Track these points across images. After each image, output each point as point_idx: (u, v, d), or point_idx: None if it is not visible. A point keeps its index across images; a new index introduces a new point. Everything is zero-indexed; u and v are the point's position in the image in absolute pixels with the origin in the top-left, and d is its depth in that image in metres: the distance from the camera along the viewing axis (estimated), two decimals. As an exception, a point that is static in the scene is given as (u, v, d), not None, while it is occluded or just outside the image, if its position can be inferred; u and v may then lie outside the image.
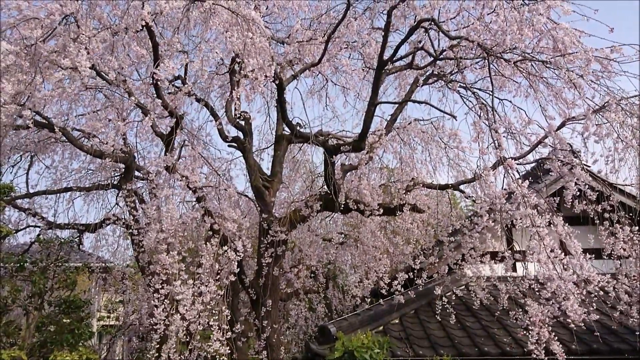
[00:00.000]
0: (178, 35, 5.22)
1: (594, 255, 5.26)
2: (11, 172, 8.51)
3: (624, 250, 6.33)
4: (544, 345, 5.49)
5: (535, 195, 5.04)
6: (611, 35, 5.30)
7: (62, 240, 8.34)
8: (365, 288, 8.29)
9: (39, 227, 8.59)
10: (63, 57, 4.70)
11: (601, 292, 6.30)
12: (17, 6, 4.71)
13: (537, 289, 5.72)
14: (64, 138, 6.66)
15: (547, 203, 5.61)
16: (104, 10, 5.45)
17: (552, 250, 4.77)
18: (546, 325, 5.35)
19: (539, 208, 5.09)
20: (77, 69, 4.66)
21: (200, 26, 5.49)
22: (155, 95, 6.12)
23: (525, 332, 5.87)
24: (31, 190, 8.56)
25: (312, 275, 9.67)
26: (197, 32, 6.69)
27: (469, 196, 7.96)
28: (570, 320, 5.16)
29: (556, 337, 5.62)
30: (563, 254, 4.89)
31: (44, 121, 6.49)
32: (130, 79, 7.16)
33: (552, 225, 5.03)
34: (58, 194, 8.57)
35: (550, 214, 5.18)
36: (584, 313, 5.19)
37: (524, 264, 6.36)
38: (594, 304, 6.15)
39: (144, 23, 4.85)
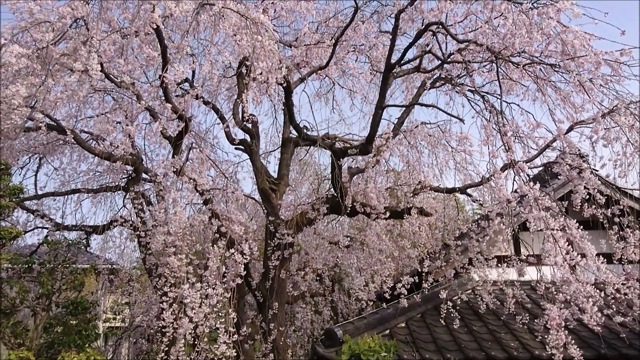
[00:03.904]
0: (187, 38, 5.25)
1: (605, 260, 5.23)
2: (20, 174, 8.59)
3: (635, 254, 6.29)
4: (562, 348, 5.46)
5: (548, 197, 5.01)
6: (622, 39, 5.27)
7: (70, 241, 8.37)
8: (370, 291, 8.27)
9: (47, 228, 8.64)
10: (74, 60, 4.74)
11: (610, 297, 6.25)
12: (28, 9, 4.75)
13: (554, 292, 5.68)
14: (73, 140, 6.71)
15: (559, 206, 5.58)
16: (114, 13, 5.49)
17: (567, 253, 4.75)
18: (562, 328, 5.32)
19: (551, 211, 5.06)
20: (87, 71, 4.71)
21: (209, 29, 5.52)
22: (164, 99, 6.16)
23: (542, 335, 5.82)
24: (39, 192, 8.63)
25: (318, 278, 9.66)
26: (205, 35, 6.73)
27: (476, 200, 7.95)
28: (575, 325, 5.14)
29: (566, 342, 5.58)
30: (579, 256, 4.86)
31: (54, 124, 6.54)
32: (139, 81, 7.22)
33: (566, 228, 5.00)
34: (66, 196, 8.63)
35: (563, 216, 5.15)
36: (598, 317, 5.16)
37: (539, 267, 6.33)
38: (611, 308, 6.11)
39: (154, 26, 4.88)
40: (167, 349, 5.77)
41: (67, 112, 7.32)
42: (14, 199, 6.75)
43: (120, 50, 5.63)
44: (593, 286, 5.22)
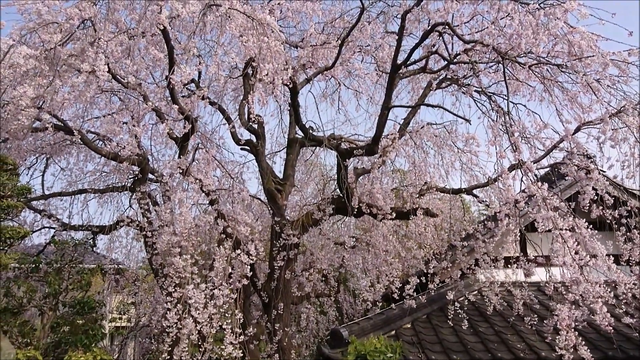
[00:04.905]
0: (194, 39, 5.26)
1: (613, 260, 5.20)
2: (27, 174, 8.64)
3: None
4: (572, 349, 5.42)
5: (556, 197, 4.98)
6: (627, 39, 5.25)
7: (77, 241, 8.40)
8: (376, 292, 8.26)
9: (53, 228, 8.69)
10: (81, 61, 4.77)
11: (621, 298, 6.20)
12: (37, 10, 4.78)
13: (563, 293, 5.65)
14: (80, 141, 6.74)
15: (568, 206, 5.55)
16: (121, 14, 5.52)
17: (576, 253, 4.72)
18: (572, 329, 5.28)
19: (560, 211, 5.04)
20: (94, 72, 4.73)
21: (216, 30, 5.54)
22: (170, 99, 6.18)
23: (551, 337, 5.79)
24: (47, 192, 8.68)
25: (323, 278, 9.66)
26: (212, 36, 6.75)
27: (483, 200, 7.92)
28: (583, 326, 5.12)
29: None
30: (588, 256, 4.83)
31: (61, 124, 6.57)
32: (145, 82, 7.24)
33: (575, 228, 4.97)
34: (73, 196, 8.68)
35: (572, 216, 5.12)
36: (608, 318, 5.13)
37: (547, 267, 6.30)
38: (620, 309, 6.07)
39: (161, 27, 4.90)
40: (170, 349, 5.78)
41: (74, 112, 7.38)
42: (21, 199, 6.79)
43: (127, 51, 5.65)
44: (604, 286, 5.19)
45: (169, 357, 5.79)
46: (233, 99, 9.47)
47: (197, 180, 6.66)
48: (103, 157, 7.58)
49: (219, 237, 6.90)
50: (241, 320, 6.16)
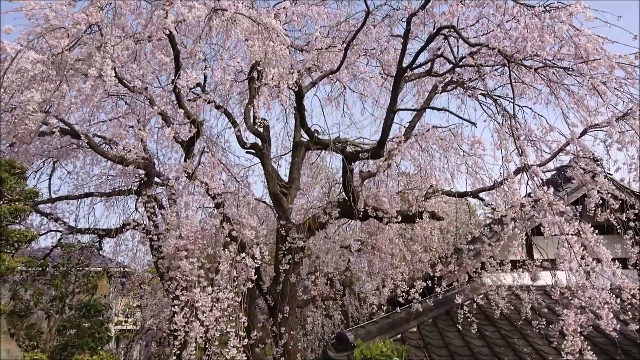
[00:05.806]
0: (199, 43, 5.29)
1: (620, 265, 5.16)
2: (34, 178, 8.69)
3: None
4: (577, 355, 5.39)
5: (562, 202, 4.97)
6: (634, 42, 5.24)
7: (83, 244, 8.45)
8: (382, 296, 8.24)
9: (60, 231, 8.72)
10: (88, 66, 4.80)
11: (626, 302, 6.16)
12: (44, 15, 4.82)
13: (570, 298, 5.62)
14: (86, 144, 6.77)
15: (573, 210, 5.53)
16: (127, 19, 5.56)
17: (582, 258, 4.70)
18: (578, 334, 5.26)
19: (565, 215, 5.01)
20: (101, 76, 4.76)
21: (221, 35, 5.56)
22: (176, 103, 6.21)
23: (557, 341, 5.77)
24: (53, 196, 8.72)
25: (328, 282, 9.64)
26: (218, 40, 6.78)
27: (489, 204, 7.89)
28: (590, 331, 5.10)
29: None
30: (594, 262, 4.81)
31: (68, 128, 6.61)
32: (152, 86, 7.28)
33: (580, 232, 4.95)
34: (79, 199, 8.72)
35: (578, 221, 5.10)
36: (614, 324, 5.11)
37: (553, 272, 6.25)
38: (627, 315, 6.03)
39: (167, 32, 4.92)
40: (178, 352, 5.79)
41: (80, 116, 7.43)
42: (28, 203, 6.82)
43: (133, 55, 5.69)
44: (609, 292, 5.16)
45: (177, 360, 5.81)
46: (238, 102, 9.50)
47: (203, 184, 6.68)
48: (109, 161, 7.60)
49: (225, 240, 6.91)
50: (246, 324, 6.16)
